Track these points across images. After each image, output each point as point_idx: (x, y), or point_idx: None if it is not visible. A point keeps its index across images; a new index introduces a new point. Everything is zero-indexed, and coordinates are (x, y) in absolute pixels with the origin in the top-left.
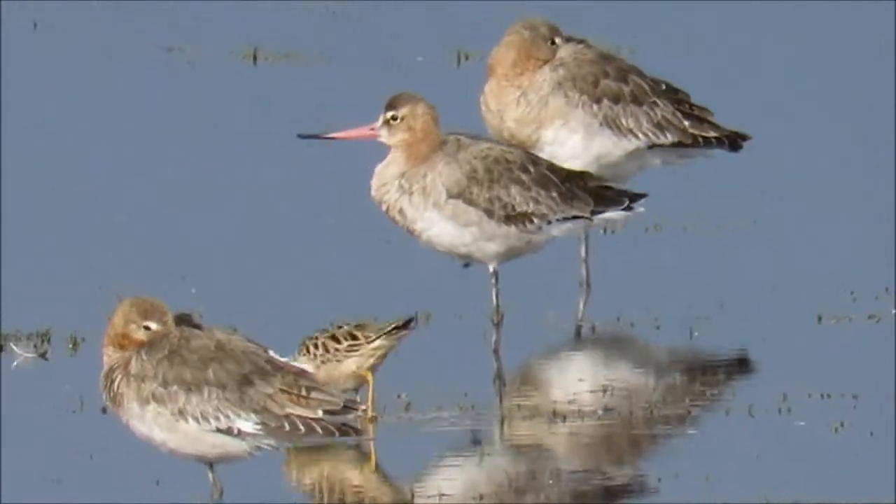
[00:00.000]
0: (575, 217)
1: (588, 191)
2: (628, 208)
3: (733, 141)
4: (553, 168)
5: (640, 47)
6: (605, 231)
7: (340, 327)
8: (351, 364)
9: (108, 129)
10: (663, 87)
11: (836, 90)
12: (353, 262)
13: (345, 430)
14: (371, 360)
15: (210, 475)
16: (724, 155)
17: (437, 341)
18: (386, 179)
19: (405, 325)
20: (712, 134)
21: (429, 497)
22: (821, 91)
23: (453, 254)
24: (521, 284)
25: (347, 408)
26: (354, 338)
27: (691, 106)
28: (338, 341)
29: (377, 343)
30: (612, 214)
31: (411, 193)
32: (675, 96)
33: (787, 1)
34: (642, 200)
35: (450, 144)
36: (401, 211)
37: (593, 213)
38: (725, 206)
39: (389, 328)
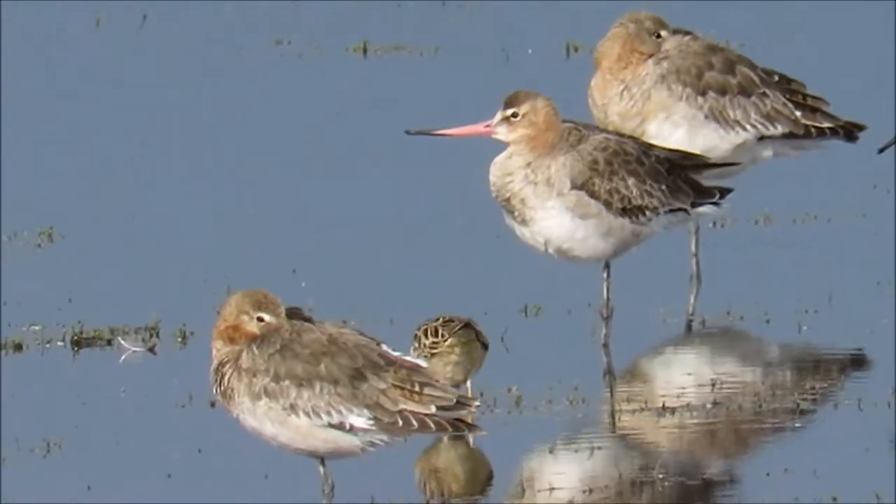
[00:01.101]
0: (678, 209)
1: (689, 182)
2: (718, 203)
3: (849, 132)
4: (660, 159)
5: (757, 38)
6: (714, 224)
7: (438, 319)
8: (436, 363)
9: (217, 122)
10: (776, 77)
11: None
12: (462, 255)
13: (458, 425)
14: (450, 363)
15: (321, 469)
16: (836, 146)
17: (548, 335)
18: (511, 170)
19: (463, 326)
20: (826, 125)
21: (539, 490)
22: None
23: (552, 250)
24: (631, 278)
25: (461, 403)
26: (438, 335)
27: (805, 96)
28: (426, 335)
29: (450, 342)
30: (706, 209)
31: (536, 184)
32: (788, 86)
33: None
34: (729, 195)
35: (572, 135)
36: (523, 200)
37: (693, 205)
38: (836, 199)
39: (456, 327)
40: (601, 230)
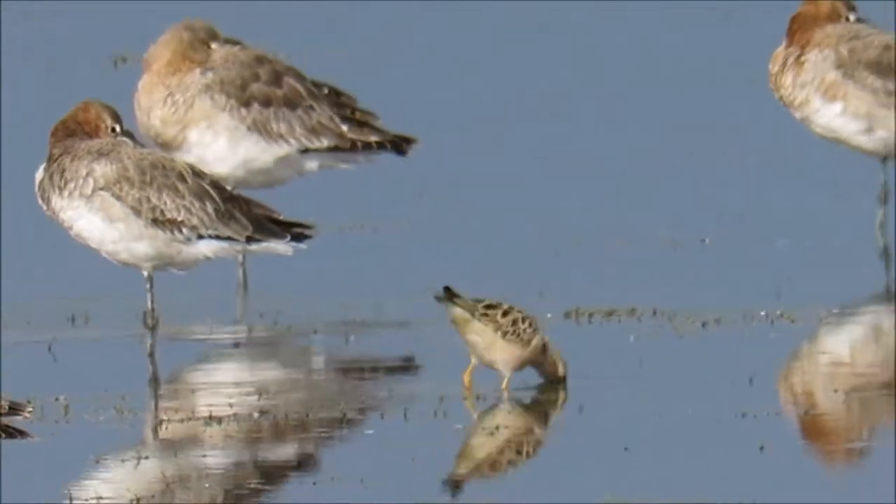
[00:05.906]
0: (229, 238)
1: (250, 217)
2: (294, 240)
3: (398, 145)
4: (218, 185)
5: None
6: None
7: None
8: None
9: None
10: (325, 90)
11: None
12: (14, 263)
13: (9, 431)
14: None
15: None
16: (392, 159)
17: (95, 343)
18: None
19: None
20: (374, 138)
21: (86, 499)
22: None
23: (104, 251)
24: (179, 287)
25: (14, 409)
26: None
27: (353, 110)
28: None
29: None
30: (274, 245)
31: (63, 188)
32: (338, 100)
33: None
34: (307, 240)
35: (110, 144)
36: (47, 200)
37: (249, 239)
38: (382, 209)
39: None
40: (133, 234)
